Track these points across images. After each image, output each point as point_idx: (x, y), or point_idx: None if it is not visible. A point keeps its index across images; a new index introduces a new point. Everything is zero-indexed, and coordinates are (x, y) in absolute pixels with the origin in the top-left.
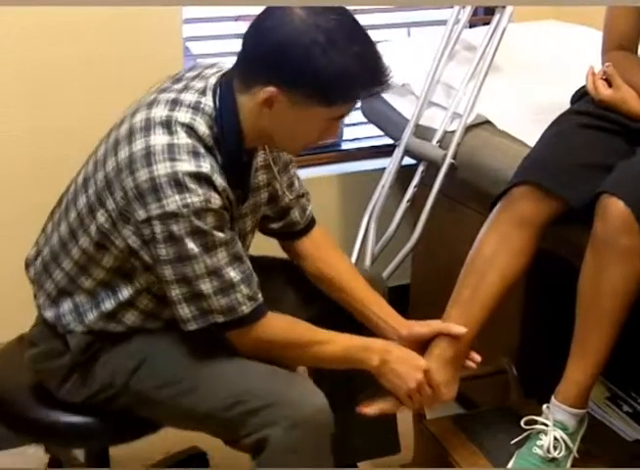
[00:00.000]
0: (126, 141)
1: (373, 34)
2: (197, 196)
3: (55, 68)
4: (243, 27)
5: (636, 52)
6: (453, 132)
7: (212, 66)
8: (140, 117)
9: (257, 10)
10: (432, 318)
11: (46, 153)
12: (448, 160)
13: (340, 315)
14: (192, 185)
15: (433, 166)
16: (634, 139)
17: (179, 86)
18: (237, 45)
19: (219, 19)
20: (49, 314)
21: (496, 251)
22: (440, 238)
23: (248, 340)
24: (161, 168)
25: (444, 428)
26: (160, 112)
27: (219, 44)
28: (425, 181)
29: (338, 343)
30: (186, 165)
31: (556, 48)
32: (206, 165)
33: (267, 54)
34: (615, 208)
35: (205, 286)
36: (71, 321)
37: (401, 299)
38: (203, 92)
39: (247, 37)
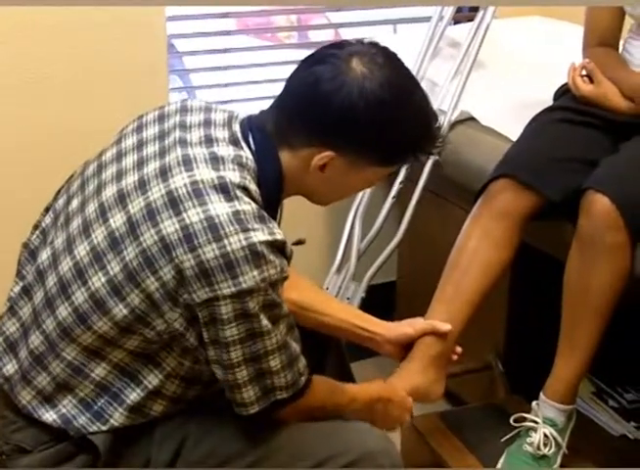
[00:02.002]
0: (171, 211)
1: (358, 32)
2: (274, 268)
3: (38, 67)
4: (230, 24)
5: (617, 48)
6: None
7: (211, 109)
8: (182, 182)
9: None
10: (418, 315)
11: (30, 153)
12: (433, 156)
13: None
14: (270, 256)
15: (417, 163)
16: (617, 134)
17: (196, 137)
18: (221, 42)
19: (204, 16)
20: (49, 417)
21: (478, 245)
22: (426, 234)
23: (299, 410)
24: (235, 242)
25: (431, 424)
26: (205, 173)
27: (205, 41)
28: (410, 177)
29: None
30: (260, 235)
31: (540, 44)
32: (278, 230)
33: (326, 121)
34: (600, 204)
35: (275, 362)
36: (88, 423)
37: (387, 295)
38: (235, 143)
39: (295, 97)
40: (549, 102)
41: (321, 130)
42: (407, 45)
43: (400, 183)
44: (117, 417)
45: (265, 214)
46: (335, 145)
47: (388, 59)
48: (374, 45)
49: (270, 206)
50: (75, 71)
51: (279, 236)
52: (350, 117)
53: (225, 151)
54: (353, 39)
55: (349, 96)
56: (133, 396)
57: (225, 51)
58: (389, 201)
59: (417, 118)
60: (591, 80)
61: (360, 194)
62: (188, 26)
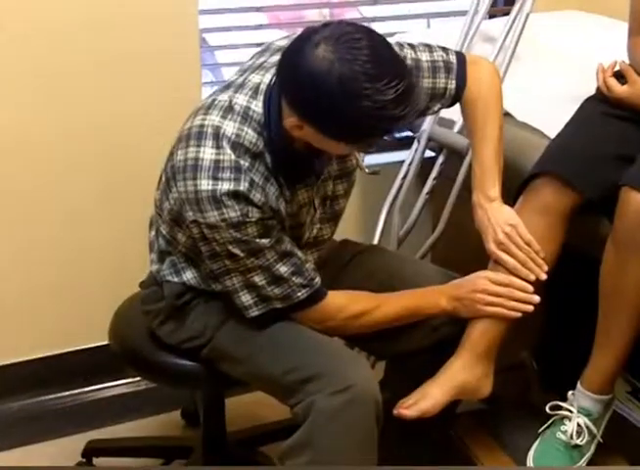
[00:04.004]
0: (183, 143)
1: (392, 26)
2: (234, 212)
3: (70, 61)
4: (263, 19)
5: None
6: None
7: (279, 50)
8: (197, 122)
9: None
10: None
11: (65, 150)
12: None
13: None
14: (229, 202)
15: (453, 157)
16: None
17: (240, 80)
18: (255, 36)
19: (237, 9)
20: (153, 267)
21: None
22: (459, 229)
23: (311, 320)
24: (204, 184)
25: (464, 423)
26: (213, 119)
27: (237, 36)
28: (443, 173)
29: (396, 301)
30: (226, 185)
31: (577, 38)
32: (245, 184)
33: (290, 91)
34: (636, 201)
35: (258, 278)
36: (168, 274)
37: None
38: (255, 92)
39: (280, 63)
40: (586, 97)
41: (287, 97)
42: (441, 39)
43: (434, 179)
44: (187, 275)
45: (244, 165)
46: (298, 114)
47: (351, 49)
48: (351, 31)
49: (286, 153)
50: (108, 67)
51: (242, 188)
52: (302, 99)
53: (241, 100)
54: (336, 21)
55: (305, 73)
56: (192, 271)
57: (258, 45)
58: (423, 196)
59: (362, 110)
60: (619, 79)
61: (393, 190)
62: (220, 20)
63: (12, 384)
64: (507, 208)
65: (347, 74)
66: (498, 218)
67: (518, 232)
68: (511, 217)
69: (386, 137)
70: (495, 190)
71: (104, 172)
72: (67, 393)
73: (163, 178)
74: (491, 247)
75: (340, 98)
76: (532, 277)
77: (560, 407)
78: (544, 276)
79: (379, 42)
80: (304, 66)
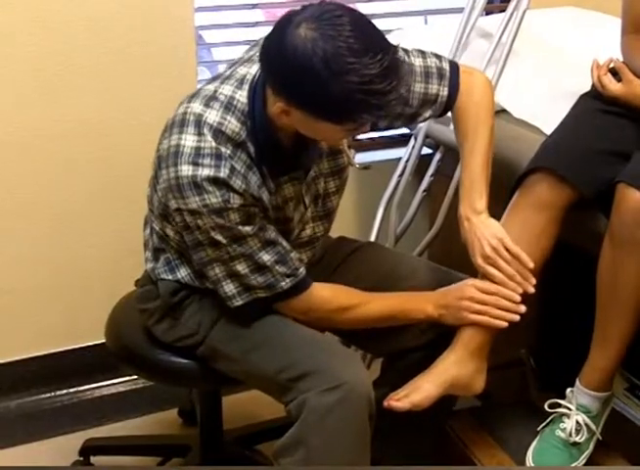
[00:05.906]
0: (167, 133)
1: (389, 23)
2: (215, 197)
3: (66, 59)
4: (259, 15)
5: None
6: None
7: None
8: (180, 111)
9: None
10: None
11: (61, 148)
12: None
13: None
14: (209, 188)
15: (450, 154)
16: None
17: (228, 72)
18: (251, 33)
19: (233, 7)
20: (148, 266)
21: (518, 237)
22: (456, 226)
23: (295, 310)
24: (184, 170)
25: (463, 421)
26: (195, 107)
27: (233, 33)
28: (440, 170)
29: (382, 301)
30: (206, 171)
31: (573, 35)
32: (225, 170)
33: (275, 75)
34: (632, 198)
35: (241, 266)
36: (164, 272)
37: None
38: (240, 83)
39: (262, 48)
40: (581, 93)
41: (271, 80)
42: (437, 36)
43: (431, 176)
44: (182, 272)
45: (226, 153)
46: (283, 97)
47: (333, 26)
48: (332, 9)
49: (270, 144)
50: (104, 63)
51: (222, 174)
52: (287, 75)
53: (226, 91)
54: (316, 2)
55: (287, 54)
56: (186, 268)
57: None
58: (420, 194)
59: (356, 80)
60: (614, 76)
61: (390, 187)
62: (216, 18)
63: (9, 382)
64: (493, 221)
65: (331, 51)
66: (484, 232)
67: (505, 245)
68: (498, 231)
69: (373, 117)
70: (482, 202)
71: (99, 171)
72: (64, 391)
73: (152, 173)
74: (478, 261)
75: (326, 75)
76: (520, 290)
77: (558, 405)
78: (532, 290)
79: (360, 18)
80: (288, 46)
